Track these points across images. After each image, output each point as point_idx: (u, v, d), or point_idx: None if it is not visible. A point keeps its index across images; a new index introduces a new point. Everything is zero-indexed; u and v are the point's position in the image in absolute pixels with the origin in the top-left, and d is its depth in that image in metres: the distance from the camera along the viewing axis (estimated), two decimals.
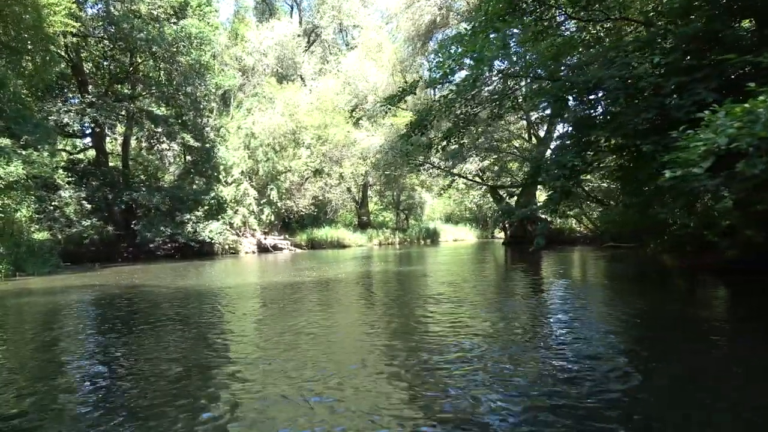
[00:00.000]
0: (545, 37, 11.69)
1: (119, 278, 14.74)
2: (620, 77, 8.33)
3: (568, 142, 11.04)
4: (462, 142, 16.29)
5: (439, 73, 12.00)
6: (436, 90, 31.97)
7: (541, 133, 26.04)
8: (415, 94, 14.65)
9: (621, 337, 6.06)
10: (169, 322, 7.61)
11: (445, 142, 14.55)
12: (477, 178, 28.57)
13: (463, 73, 13.41)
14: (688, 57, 8.09)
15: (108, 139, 27.40)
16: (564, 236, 25.55)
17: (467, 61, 11.49)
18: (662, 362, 4.96)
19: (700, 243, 10.04)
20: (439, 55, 12.53)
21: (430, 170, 28.68)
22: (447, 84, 13.13)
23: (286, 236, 30.34)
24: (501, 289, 11.01)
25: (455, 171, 26.54)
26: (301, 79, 36.11)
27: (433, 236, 42.74)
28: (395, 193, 42.40)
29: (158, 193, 23.23)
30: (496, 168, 26.84)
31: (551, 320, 7.16)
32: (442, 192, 32.86)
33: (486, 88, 13.31)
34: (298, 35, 36.89)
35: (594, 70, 9.27)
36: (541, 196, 28.45)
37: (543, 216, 23.00)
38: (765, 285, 9.04)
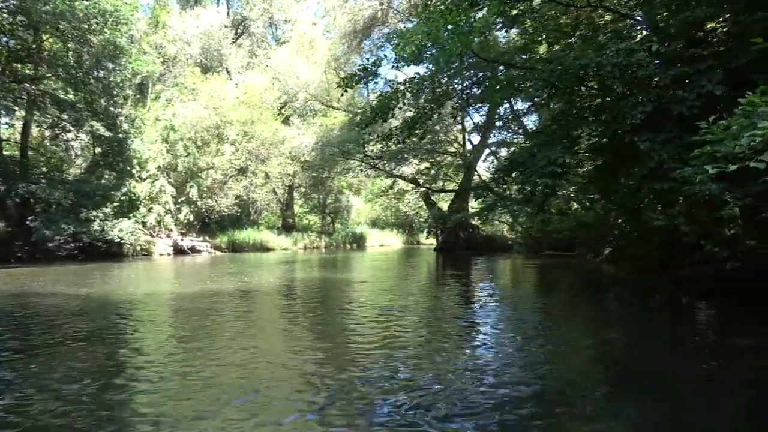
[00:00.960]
0: (522, 21, 10.99)
1: (9, 283, 12.73)
2: (617, 65, 7.71)
3: (542, 138, 10.32)
4: (418, 134, 15.20)
5: (407, 52, 10.82)
6: (369, 90, 31.47)
7: (475, 140, 25.94)
8: (376, 76, 13.24)
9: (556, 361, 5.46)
10: (68, 341, 6.25)
11: (407, 132, 13.42)
12: (415, 182, 27.96)
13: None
14: (691, 47, 7.52)
15: (4, 125, 24.44)
16: (495, 243, 25.50)
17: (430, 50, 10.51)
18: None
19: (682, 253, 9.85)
20: (398, 40, 11.57)
21: (368, 171, 27.76)
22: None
23: (206, 238, 28.39)
24: (440, 298, 10.28)
25: (395, 173, 25.77)
26: (227, 72, 34.17)
27: (359, 241, 41.94)
28: (322, 196, 41.25)
29: (61, 187, 20.79)
30: (432, 172, 26.44)
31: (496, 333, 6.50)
32: (381, 194, 31.80)
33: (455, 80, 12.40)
34: (226, 26, 34.92)
35: (590, 55, 8.57)
36: (472, 202, 28.54)
37: (476, 223, 22.79)
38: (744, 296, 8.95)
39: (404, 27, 19.62)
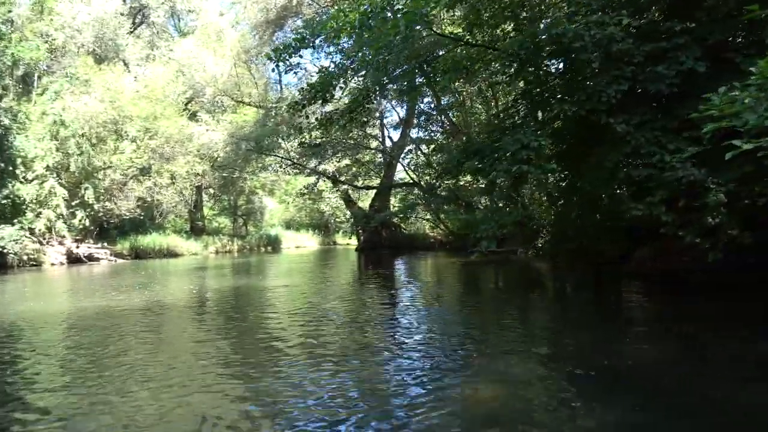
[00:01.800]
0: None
1: None
2: (592, 38, 7.18)
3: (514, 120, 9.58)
4: (357, 121, 14.11)
5: (342, 22, 9.68)
6: (283, 84, 30.04)
7: (395, 136, 25.42)
8: (314, 48, 11.92)
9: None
10: None
11: (348, 116, 12.34)
12: (337, 180, 26.90)
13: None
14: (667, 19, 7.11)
15: None
16: (418, 241, 25.07)
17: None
18: None
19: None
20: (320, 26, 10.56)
21: (286, 169, 26.34)
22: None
23: (105, 244, 25.83)
24: (365, 300, 9.49)
25: (318, 170, 24.53)
26: (125, 64, 31.45)
27: (274, 243, 40.39)
28: (233, 197, 39.25)
29: None
30: (353, 169, 25.58)
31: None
32: (303, 193, 30.01)
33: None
34: (122, 14, 32.08)
35: (568, 26, 7.95)
36: (393, 200, 27.99)
37: (395, 220, 22.27)
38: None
39: (319, 17, 18.60)
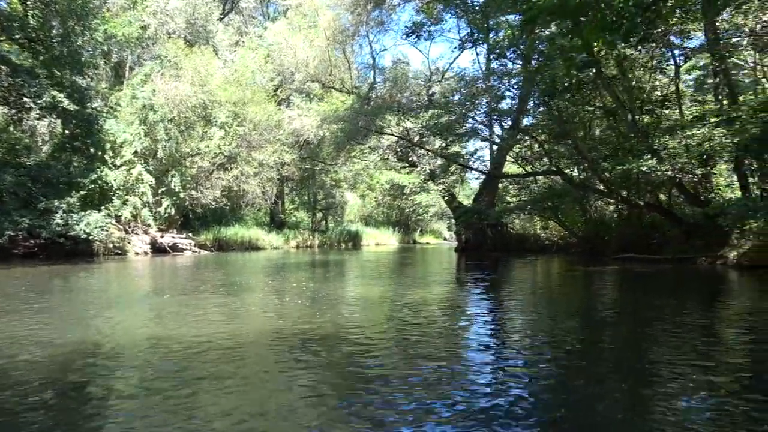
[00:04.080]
0: None
1: None
2: None
3: None
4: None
5: None
6: (376, 70, 28.10)
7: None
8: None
9: None
10: None
11: None
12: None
13: None
14: None
15: None
16: (528, 243, 22.39)
17: None
18: None
19: None
20: None
21: (389, 156, 24.23)
22: None
23: (189, 234, 24.82)
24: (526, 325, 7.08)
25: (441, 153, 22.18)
26: (214, 50, 30.56)
27: (354, 239, 38.80)
28: (313, 190, 37.94)
29: (14, 171, 17.16)
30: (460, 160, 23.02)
31: None
32: (427, 181, 26.56)
33: None
34: (212, 0, 31.26)
35: None
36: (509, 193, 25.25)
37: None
38: None
39: None
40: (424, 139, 21.30)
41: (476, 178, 28.25)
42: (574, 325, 7.00)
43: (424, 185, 46.95)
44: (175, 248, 23.06)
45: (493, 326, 6.76)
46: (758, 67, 15.69)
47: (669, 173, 12.22)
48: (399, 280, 12.12)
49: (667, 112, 15.53)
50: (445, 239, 60.88)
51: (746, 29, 14.04)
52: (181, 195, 23.28)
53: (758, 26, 14.13)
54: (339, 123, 22.44)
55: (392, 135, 21.81)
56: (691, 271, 13.51)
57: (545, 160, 19.52)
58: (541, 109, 17.76)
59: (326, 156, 31.93)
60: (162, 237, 22.97)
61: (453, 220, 66.02)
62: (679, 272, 13.32)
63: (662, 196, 17.52)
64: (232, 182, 25.33)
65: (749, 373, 4.47)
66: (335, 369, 4.50)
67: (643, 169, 12.42)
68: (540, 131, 17.52)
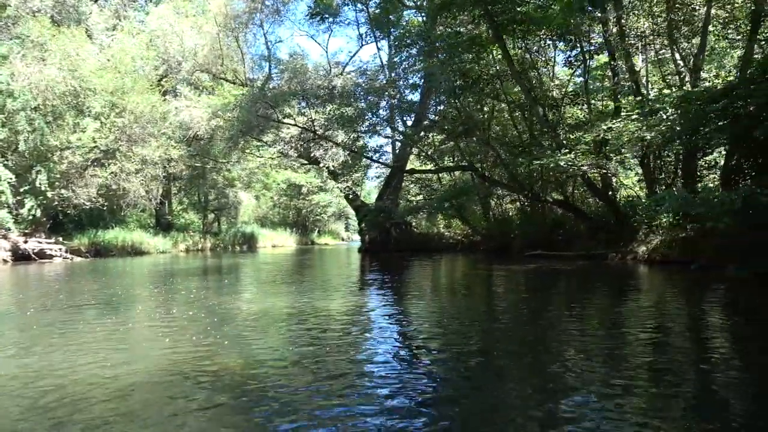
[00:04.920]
0: None
1: None
2: None
3: None
4: None
5: None
6: (271, 64, 26.47)
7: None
8: None
9: None
10: None
11: None
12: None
13: None
14: None
15: None
16: (433, 242, 21.99)
17: None
18: None
19: None
20: None
21: (287, 154, 22.72)
22: None
23: (59, 239, 21.92)
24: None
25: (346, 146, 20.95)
26: (87, 34, 27.44)
27: (250, 241, 36.90)
28: (204, 190, 35.50)
29: None
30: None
31: None
32: (332, 180, 24.85)
33: None
34: None
35: None
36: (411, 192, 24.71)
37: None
38: None
39: None
40: (329, 132, 20.22)
41: (377, 177, 27.62)
42: (481, 326, 6.55)
43: (323, 185, 46.08)
44: (42, 255, 20.20)
45: (400, 335, 6.14)
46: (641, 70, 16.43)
47: (585, 168, 12.22)
48: (301, 287, 11.03)
49: (574, 108, 15.80)
50: (342, 240, 60.19)
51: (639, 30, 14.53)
52: (49, 194, 20.41)
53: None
54: (234, 112, 20.67)
55: (296, 126, 20.52)
56: (602, 267, 13.70)
57: (451, 156, 19.28)
58: (444, 104, 17.37)
59: (218, 153, 29.83)
60: (26, 242, 20.00)
61: (350, 221, 66.03)
62: (591, 269, 13.46)
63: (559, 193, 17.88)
64: (111, 180, 22.67)
65: (650, 369, 4.36)
66: (237, 410, 3.47)
67: (561, 163, 12.33)
68: (447, 126, 17.12)
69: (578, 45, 14.62)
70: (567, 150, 12.91)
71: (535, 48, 15.67)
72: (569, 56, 15.85)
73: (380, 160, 21.54)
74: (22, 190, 20.13)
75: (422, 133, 18.58)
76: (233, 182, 36.57)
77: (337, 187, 23.03)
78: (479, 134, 16.55)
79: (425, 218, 22.80)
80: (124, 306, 8.31)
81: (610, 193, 15.48)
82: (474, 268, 15.36)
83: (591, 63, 15.23)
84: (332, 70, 22.37)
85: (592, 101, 14.94)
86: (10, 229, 19.77)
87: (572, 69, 16.31)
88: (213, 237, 34.63)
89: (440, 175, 21.84)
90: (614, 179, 15.57)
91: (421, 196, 24.00)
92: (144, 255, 25.12)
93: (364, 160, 21.71)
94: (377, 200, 22.69)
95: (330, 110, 19.18)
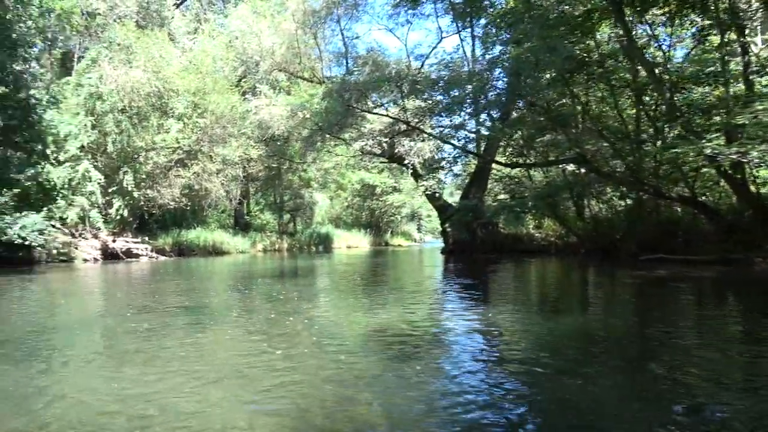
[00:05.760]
0: None
1: None
2: None
3: None
4: None
5: None
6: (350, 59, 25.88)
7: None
8: None
9: None
10: None
11: None
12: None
13: None
14: None
15: None
16: (523, 243, 20.54)
17: None
18: None
19: None
20: None
21: (372, 152, 21.97)
22: None
23: (145, 238, 22.29)
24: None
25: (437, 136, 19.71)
26: (170, 38, 28.03)
27: (325, 242, 36.63)
28: (279, 191, 35.56)
29: None
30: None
31: None
32: (416, 179, 23.22)
33: None
34: None
35: None
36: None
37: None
38: None
39: None
40: (420, 122, 19.13)
41: (456, 175, 26.25)
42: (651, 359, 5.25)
43: (396, 185, 45.29)
44: (129, 254, 20.55)
45: (530, 364, 4.98)
46: None
47: (733, 157, 10.28)
48: (402, 295, 9.97)
49: (701, 89, 13.76)
50: (415, 241, 59.14)
51: None
52: (135, 194, 20.76)
53: None
54: (323, 102, 19.90)
55: (387, 116, 19.55)
56: (750, 274, 11.51)
57: (546, 150, 17.58)
58: (543, 92, 15.62)
59: (294, 153, 29.68)
60: (114, 242, 20.43)
61: (422, 222, 64.87)
62: (737, 277, 11.18)
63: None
64: (193, 180, 22.85)
65: None
66: None
67: (707, 152, 10.38)
68: (542, 118, 15.50)
69: (713, 15, 12.71)
70: (715, 135, 11.02)
71: (657, 22, 13.95)
72: (698, 29, 13.94)
73: (475, 151, 20.06)
74: (110, 190, 20.59)
75: (512, 127, 17.18)
76: (309, 182, 36.45)
77: (422, 185, 21.91)
78: (588, 124, 14.93)
79: (513, 218, 21.16)
80: (223, 312, 7.71)
81: (751, 188, 13.36)
82: (587, 274, 13.63)
83: (724, 36, 13.23)
84: (412, 64, 21.51)
85: (720, 82, 12.95)
86: (100, 229, 20.23)
87: (701, 45, 14.35)
88: (289, 237, 34.64)
89: (531, 171, 20.36)
90: (755, 171, 13.46)
91: (503, 195, 22.52)
92: (224, 255, 25.25)
93: (451, 155, 20.64)
94: (461, 199, 21.59)
95: (423, 99, 18.17)
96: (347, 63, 23.89)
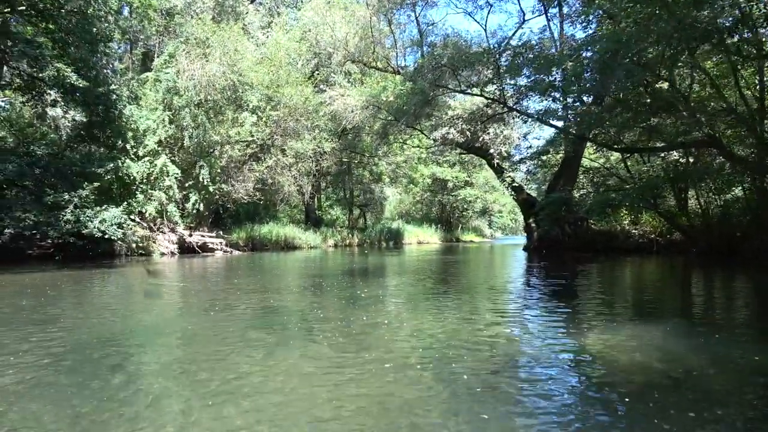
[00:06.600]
0: None
1: None
2: None
3: None
4: None
5: None
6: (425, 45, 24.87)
7: None
8: None
9: None
10: None
11: None
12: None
13: None
14: None
15: None
16: (617, 240, 18.83)
17: None
18: None
19: None
20: None
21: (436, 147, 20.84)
22: None
23: (220, 233, 22.27)
24: None
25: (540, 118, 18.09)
26: (245, 31, 28.03)
27: (396, 238, 35.95)
28: (350, 186, 35.15)
29: (17, 160, 14.72)
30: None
31: None
32: (500, 172, 21.61)
33: None
34: None
35: None
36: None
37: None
38: None
39: None
40: (517, 104, 17.73)
41: (544, 166, 24.49)
42: None
43: (469, 179, 43.89)
44: (204, 248, 20.53)
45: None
46: None
47: None
48: (500, 299, 9.00)
49: None
50: (486, 237, 57.38)
51: None
52: (211, 189, 20.69)
53: None
54: (405, 86, 18.87)
55: (482, 96, 18.23)
56: None
57: (649, 136, 15.75)
58: (651, 72, 13.87)
59: (365, 147, 29.03)
60: (190, 236, 20.47)
61: (493, 218, 62.92)
62: None
63: None
64: (267, 174, 22.60)
65: None
66: None
67: None
68: (648, 99, 13.80)
69: None
70: None
71: None
72: None
73: (575, 133, 18.30)
74: (186, 185, 20.60)
75: (609, 113, 15.51)
76: (380, 177, 35.80)
77: (509, 176, 20.57)
78: (721, 103, 13.05)
79: (610, 213, 19.20)
80: (309, 313, 6.99)
81: None
82: (713, 279, 11.88)
83: None
84: (492, 49, 20.24)
85: None
86: (177, 223, 20.29)
87: None
88: (359, 233, 34.16)
89: (627, 162, 18.58)
90: None
91: (593, 187, 20.75)
92: (296, 250, 24.97)
93: (537, 147, 19.22)
94: (547, 192, 20.11)
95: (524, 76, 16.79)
96: (422, 50, 22.90)
